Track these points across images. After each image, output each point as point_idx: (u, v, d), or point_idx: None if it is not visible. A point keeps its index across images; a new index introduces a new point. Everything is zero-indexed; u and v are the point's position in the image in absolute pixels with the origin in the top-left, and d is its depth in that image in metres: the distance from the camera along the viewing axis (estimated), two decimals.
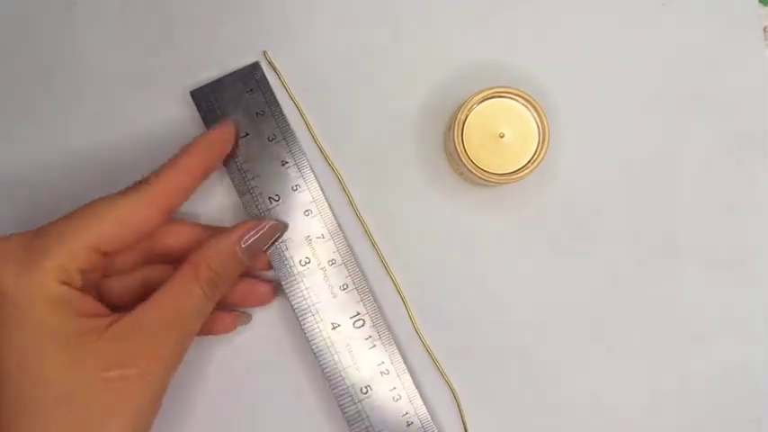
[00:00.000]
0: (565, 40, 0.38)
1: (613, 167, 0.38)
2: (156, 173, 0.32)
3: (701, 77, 0.38)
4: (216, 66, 0.37)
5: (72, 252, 0.30)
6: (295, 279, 0.35)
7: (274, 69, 0.37)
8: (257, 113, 0.36)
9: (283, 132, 0.36)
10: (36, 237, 0.30)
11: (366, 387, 0.35)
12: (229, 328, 0.36)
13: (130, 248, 0.33)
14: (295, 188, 0.36)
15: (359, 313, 0.35)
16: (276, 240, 0.35)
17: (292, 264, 0.35)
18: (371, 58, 0.37)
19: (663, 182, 0.38)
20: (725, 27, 0.38)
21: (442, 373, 0.37)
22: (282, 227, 0.35)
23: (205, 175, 0.33)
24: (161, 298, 0.31)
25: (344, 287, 0.36)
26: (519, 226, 0.37)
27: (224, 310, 0.36)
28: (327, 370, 0.35)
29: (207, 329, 0.35)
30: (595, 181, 0.37)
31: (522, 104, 0.34)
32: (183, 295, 0.31)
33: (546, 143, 0.34)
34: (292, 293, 0.35)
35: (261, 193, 0.35)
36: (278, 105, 0.36)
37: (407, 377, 0.35)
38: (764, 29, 0.38)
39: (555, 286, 0.37)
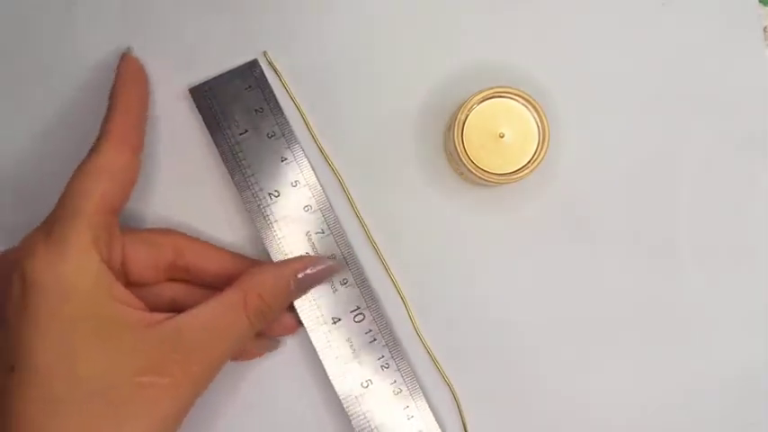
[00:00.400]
0: (565, 40, 0.38)
1: (613, 167, 0.38)
2: (104, 122, 0.33)
3: (701, 77, 0.38)
4: (215, 66, 0.37)
5: (90, 223, 0.30)
6: None
7: (274, 70, 0.37)
8: (256, 110, 0.36)
9: (282, 129, 0.36)
10: (51, 227, 0.30)
11: (367, 381, 0.35)
12: (257, 355, 0.36)
13: (126, 199, 0.33)
14: (294, 184, 0.36)
15: (359, 308, 0.36)
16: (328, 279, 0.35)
17: None
18: (371, 58, 0.37)
19: (663, 182, 0.38)
20: (725, 27, 0.38)
21: (441, 374, 0.37)
22: (340, 268, 0.35)
23: (143, 104, 0.35)
24: (204, 315, 0.31)
25: (344, 282, 0.36)
26: (519, 226, 0.37)
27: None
28: (328, 364, 0.35)
29: (236, 355, 0.35)
30: (595, 181, 0.37)
31: (522, 104, 0.34)
32: (227, 318, 0.31)
33: (546, 143, 0.34)
34: None
35: (261, 189, 0.36)
36: (276, 102, 0.36)
37: (408, 371, 0.36)
38: (764, 29, 0.38)
39: (555, 286, 0.37)
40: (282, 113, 0.36)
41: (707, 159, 0.38)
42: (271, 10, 0.37)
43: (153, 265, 0.33)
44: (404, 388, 0.35)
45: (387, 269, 0.37)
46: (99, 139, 0.32)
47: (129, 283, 0.33)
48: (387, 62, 0.37)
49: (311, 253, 0.35)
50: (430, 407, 0.36)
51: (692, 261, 0.37)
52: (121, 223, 0.33)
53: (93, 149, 0.32)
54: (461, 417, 0.37)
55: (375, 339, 0.35)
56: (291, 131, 0.36)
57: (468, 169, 0.34)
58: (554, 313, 0.37)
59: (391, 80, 0.37)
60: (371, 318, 0.36)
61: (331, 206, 0.36)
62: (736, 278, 0.37)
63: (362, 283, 0.36)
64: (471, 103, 0.34)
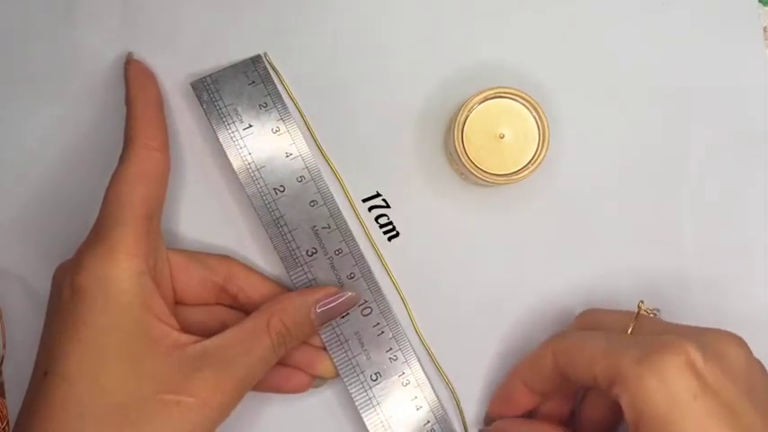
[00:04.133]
0: (565, 40, 0.38)
1: (613, 167, 0.38)
2: (127, 129, 0.33)
3: (701, 77, 0.38)
4: (215, 66, 0.37)
5: (134, 231, 0.30)
6: (302, 270, 0.35)
7: (274, 70, 0.37)
8: (260, 106, 0.36)
9: (287, 124, 0.36)
10: (95, 236, 0.31)
11: (376, 374, 0.35)
12: (303, 388, 0.35)
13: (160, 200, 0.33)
14: (300, 179, 0.36)
15: (366, 301, 0.36)
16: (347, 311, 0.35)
17: (299, 254, 0.35)
18: (372, 58, 0.37)
19: (663, 182, 0.38)
20: (725, 27, 0.38)
21: (441, 374, 0.37)
22: (360, 299, 0.35)
23: (158, 102, 0.35)
24: (230, 338, 0.31)
25: (351, 276, 0.36)
26: (519, 226, 0.37)
27: (296, 370, 0.35)
28: (338, 358, 0.35)
29: (277, 386, 0.35)
30: (596, 181, 0.38)
31: (522, 104, 0.34)
32: (251, 341, 0.32)
33: (546, 143, 0.34)
34: (300, 284, 0.35)
35: (266, 185, 0.36)
36: (280, 98, 0.36)
37: (415, 362, 0.36)
38: (764, 29, 0.38)
39: (555, 286, 0.37)
40: (287, 109, 0.36)
41: (707, 159, 0.38)
42: (271, 10, 0.37)
43: (203, 286, 0.34)
44: (411, 379, 0.36)
45: (386, 269, 0.37)
46: (126, 145, 0.33)
47: (177, 300, 0.34)
48: (387, 62, 0.37)
49: (317, 248, 0.36)
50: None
51: (692, 260, 0.37)
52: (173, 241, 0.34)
53: (124, 157, 0.33)
54: (461, 417, 0.37)
55: (383, 332, 0.36)
56: (296, 126, 0.36)
57: (468, 169, 0.34)
58: (554, 313, 0.37)
59: (391, 80, 0.37)
60: (379, 311, 0.36)
61: (336, 201, 0.36)
62: (736, 277, 0.37)
63: (369, 278, 0.36)
64: (471, 103, 0.34)
